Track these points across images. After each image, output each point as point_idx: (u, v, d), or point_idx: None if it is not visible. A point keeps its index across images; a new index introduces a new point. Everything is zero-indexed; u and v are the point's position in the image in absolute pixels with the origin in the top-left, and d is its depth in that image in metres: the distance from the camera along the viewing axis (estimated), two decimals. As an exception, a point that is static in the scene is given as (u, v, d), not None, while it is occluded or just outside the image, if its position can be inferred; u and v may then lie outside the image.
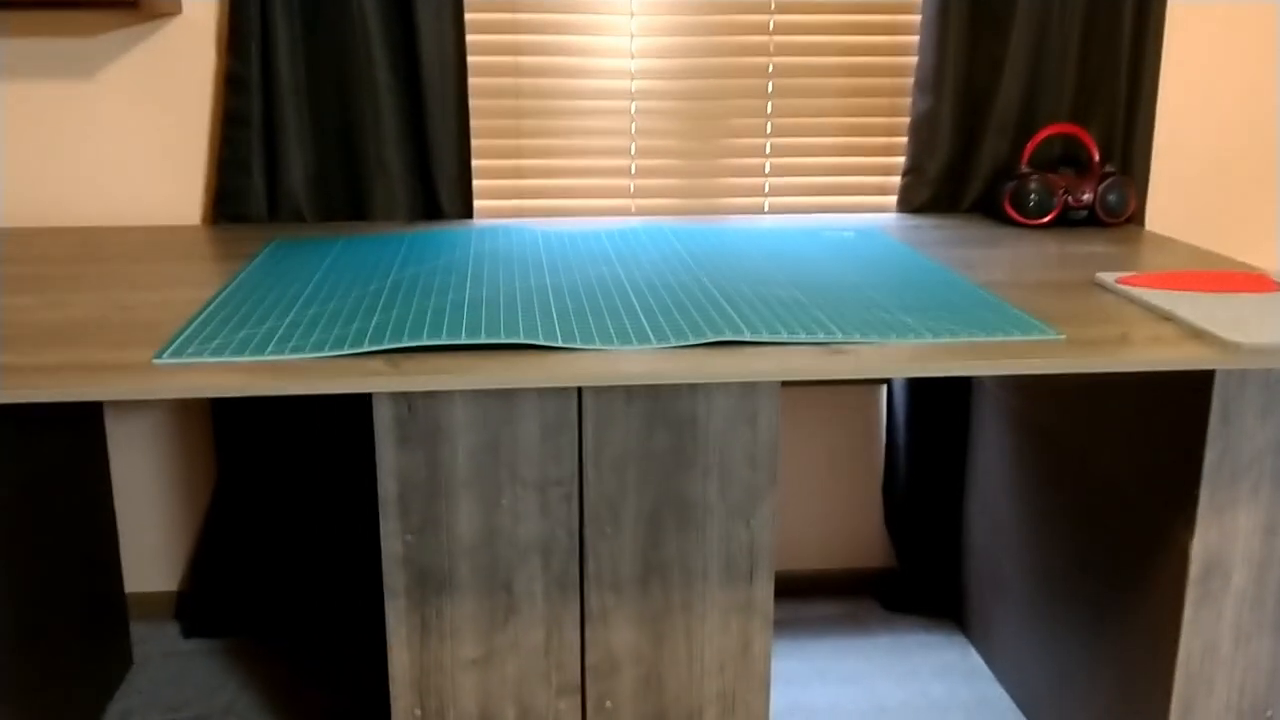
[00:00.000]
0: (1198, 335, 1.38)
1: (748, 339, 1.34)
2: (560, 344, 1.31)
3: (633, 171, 2.17)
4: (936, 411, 2.19)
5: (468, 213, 2.08)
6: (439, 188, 2.03)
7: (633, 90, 2.13)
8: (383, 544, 1.40)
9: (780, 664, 2.12)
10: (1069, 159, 2.15)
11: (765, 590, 1.45)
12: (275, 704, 1.98)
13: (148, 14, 1.98)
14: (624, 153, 2.16)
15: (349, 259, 1.73)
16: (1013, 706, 1.99)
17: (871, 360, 1.29)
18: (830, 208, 2.21)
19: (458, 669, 1.44)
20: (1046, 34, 2.08)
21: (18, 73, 1.99)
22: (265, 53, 1.95)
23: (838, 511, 2.35)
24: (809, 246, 1.85)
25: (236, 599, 2.18)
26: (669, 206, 2.19)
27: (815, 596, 2.36)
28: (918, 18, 2.13)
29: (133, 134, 2.03)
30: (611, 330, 1.37)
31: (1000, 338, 1.36)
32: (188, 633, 2.18)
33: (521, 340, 1.31)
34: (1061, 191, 2.02)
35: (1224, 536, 1.46)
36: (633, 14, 2.09)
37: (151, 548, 2.22)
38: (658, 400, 1.38)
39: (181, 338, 1.33)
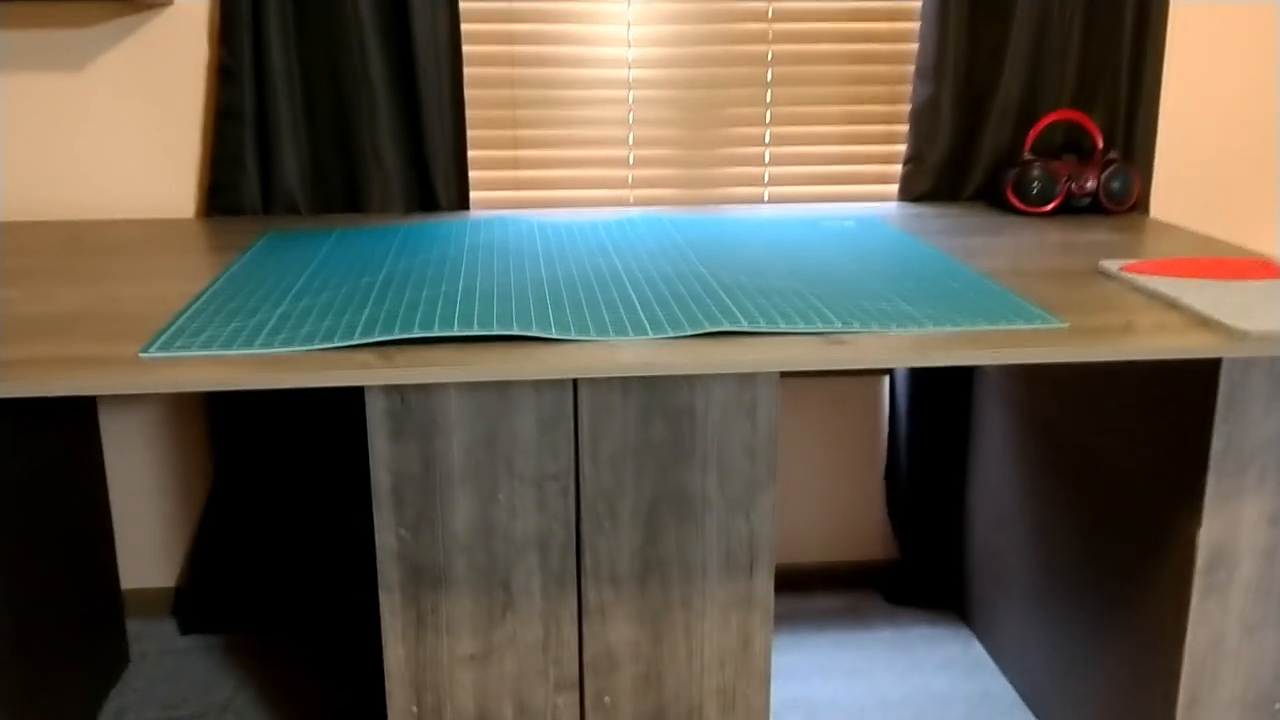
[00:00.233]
0: (1203, 323, 1.36)
1: (745, 329, 1.32)
2: (555, 335, 1.29)
3: (631, 162, 2.14)
4: (939, 401, 2.17)
5: (464, 205, 2.05)
6: (434, 179, 2.01)
7: (630, 79, 2.11)
8: (377, 539, 1.38)
9: (781, 658, 2.10)
10: (1072, 146, 2.13)
11: (765, 584, 1.43)
12: (273, 701, 1.97)
13: (139, 5, 1.96)
14: (622, 143, 2.13)
15: (343, 251, 1.71)
16: (1018, 700, 1.97)
17: (871, 350, 1.27)
18: (831, 197, 2.19)
19: (454, 665, 1.43)
20: (1049, 19, 2.06)
21: (7, 65, 1.97)
22: (257, 43, 1.93)
23: (839, 504, 2.33)
24: (808, 236, 1.83)
25: (234, 595, 2.16)
26: (668, 197, 2.17)
27: (817, 590, 2.34)
28: (918, 4, 2.11)
29: (125, 126, 2.01)
30: (607, 321, 1.35)
31: (1002, 326, 1.34)
32: (185, 629, 2.17)
33: (514, 331, 1.29)
34: (1064, 179, 2.00)
35: (1230, 526, 1.45)
36: (630, 2, 2.07)
37: (148, 544, 2.21)
38: (654, 392, 1.36)
39: (169, 331, 1.31)
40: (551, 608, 1.42)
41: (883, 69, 2.15)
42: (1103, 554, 1.67)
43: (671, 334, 1.31)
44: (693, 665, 1.45)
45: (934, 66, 2.06)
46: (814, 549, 2.35)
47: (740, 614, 1.44)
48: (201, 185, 2.05)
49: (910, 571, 2.27)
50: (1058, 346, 1.28)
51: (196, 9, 1.97)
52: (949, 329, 1.34)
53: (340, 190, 2.03)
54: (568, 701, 1.45)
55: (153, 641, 2.14)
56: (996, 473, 2.04)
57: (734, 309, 1.38)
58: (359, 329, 1.31)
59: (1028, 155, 2.03)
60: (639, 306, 1.41)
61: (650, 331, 1.31)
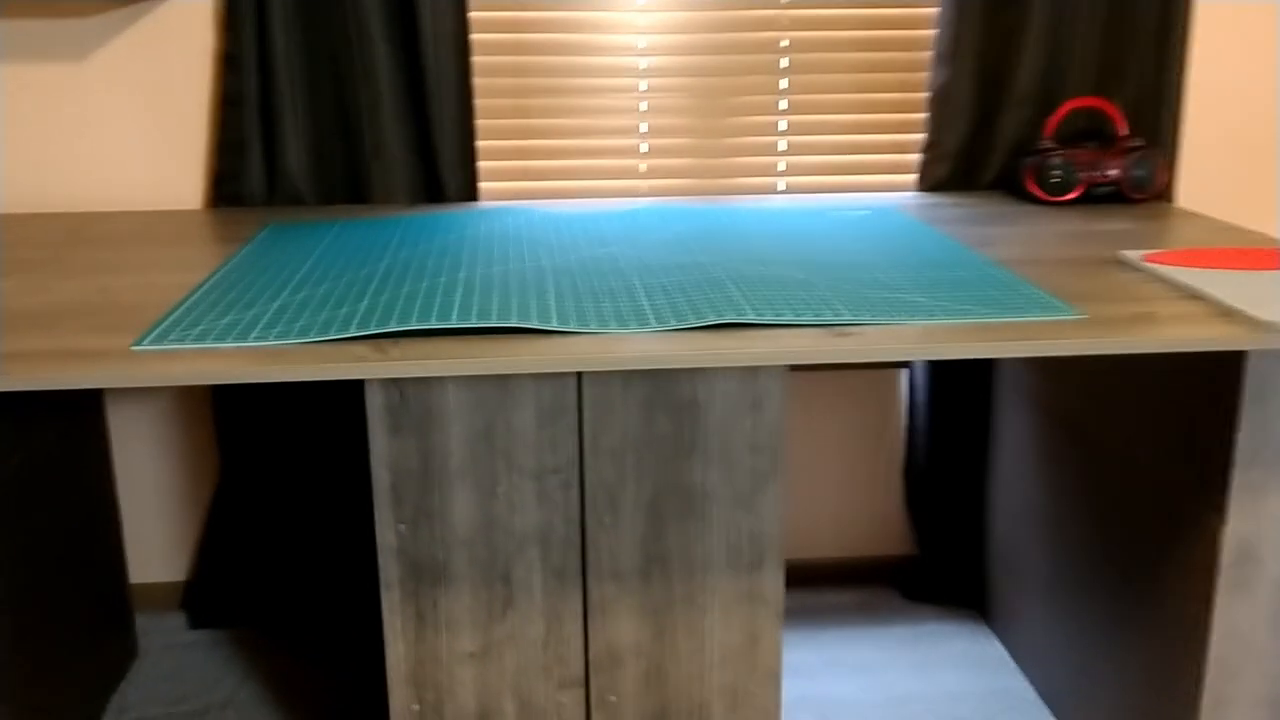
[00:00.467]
0: (1227, 314, 1.32)
1: (751, 321, 1.28)
2: (556, 327, 1.26)
3: (643, 151, 2.11)
4: (958, 393, 2.13)
5: (472, 195, 2.03)
6: (441, 169, 1.98)
7: (642, 68, 2.07)
8: (376, 534, 1.36)
9: (794, 655, 2.07)
10: (1094, 133, 2.08)
11: (774, 581, 1.40)
12: (277, 697, 1.95)
13: (143, -6, 1.94)
14: (634, 132, 2.10)
15: (344, 242, 1.68)
16: (1037, 698, 1.93)
17: (879, 342, 1.23)
18: (847, 187, 2.15)
19: (455, 662, 1.40)
20: (1069, 1, 2.00)
21: (9, 55, 1.95)
22: (261, 31, 1.90)
23: (855, 498, 2.29)
24: (820, 225, 1.79)
25: (243, 589, 2.15)
26: (681, 187, 2.13)
27: (832, 585, 2.31)
28: (936, -12, 2.06)
29: (128, 117, 1.99)
30: (610, 313, 1.32)
31: (1017, 317, 1.30)
32: (194, 623, 2.16)
33: (514, 323, 1.26)
34: (1086, 167, 1.95)
35: (1256, 522, 1.40)
36: (640, -12, 2.04)
37: (156, 538, 2.19)
38: (658, 385, 1.32)
39: (164, 324, 1.29)
40: (553, 604, 1.39)
41: (900, 55, 2.10)
42: (1124, 550, 1.63)
43: (675, 325, 1.27)
44: (698, 663, 1.42)
45: (951, 50, 2.01)
46: (830, 544, 2.31)
47: (747, 610, 1.41)
48: (205, 176, 2.03)
49: (928, 567, 2.23)
50: (1074, 338, 1.24)
51: (201, -3, 1.95)
52: (960, 320, 1.30)
53: (345, 180, 2.00)
54: (571, 699, 1.42)
55: (162, 636, 2.13)
56: (1016, 467, 2.00)
57: (740, 299, 1.35)
58: (355, 321, 1.28)
59: (1048, 142, 1.98)
60: (643, 297, 1.38)
61: (654, 323, 1.28)
